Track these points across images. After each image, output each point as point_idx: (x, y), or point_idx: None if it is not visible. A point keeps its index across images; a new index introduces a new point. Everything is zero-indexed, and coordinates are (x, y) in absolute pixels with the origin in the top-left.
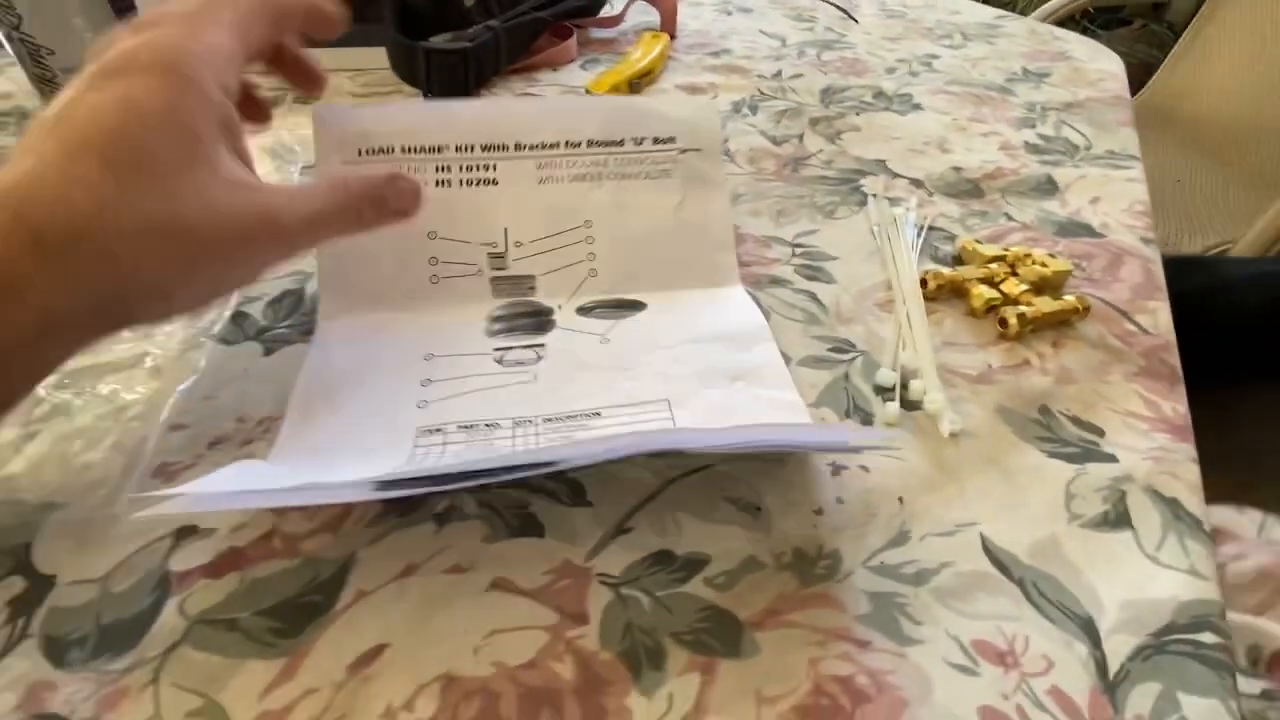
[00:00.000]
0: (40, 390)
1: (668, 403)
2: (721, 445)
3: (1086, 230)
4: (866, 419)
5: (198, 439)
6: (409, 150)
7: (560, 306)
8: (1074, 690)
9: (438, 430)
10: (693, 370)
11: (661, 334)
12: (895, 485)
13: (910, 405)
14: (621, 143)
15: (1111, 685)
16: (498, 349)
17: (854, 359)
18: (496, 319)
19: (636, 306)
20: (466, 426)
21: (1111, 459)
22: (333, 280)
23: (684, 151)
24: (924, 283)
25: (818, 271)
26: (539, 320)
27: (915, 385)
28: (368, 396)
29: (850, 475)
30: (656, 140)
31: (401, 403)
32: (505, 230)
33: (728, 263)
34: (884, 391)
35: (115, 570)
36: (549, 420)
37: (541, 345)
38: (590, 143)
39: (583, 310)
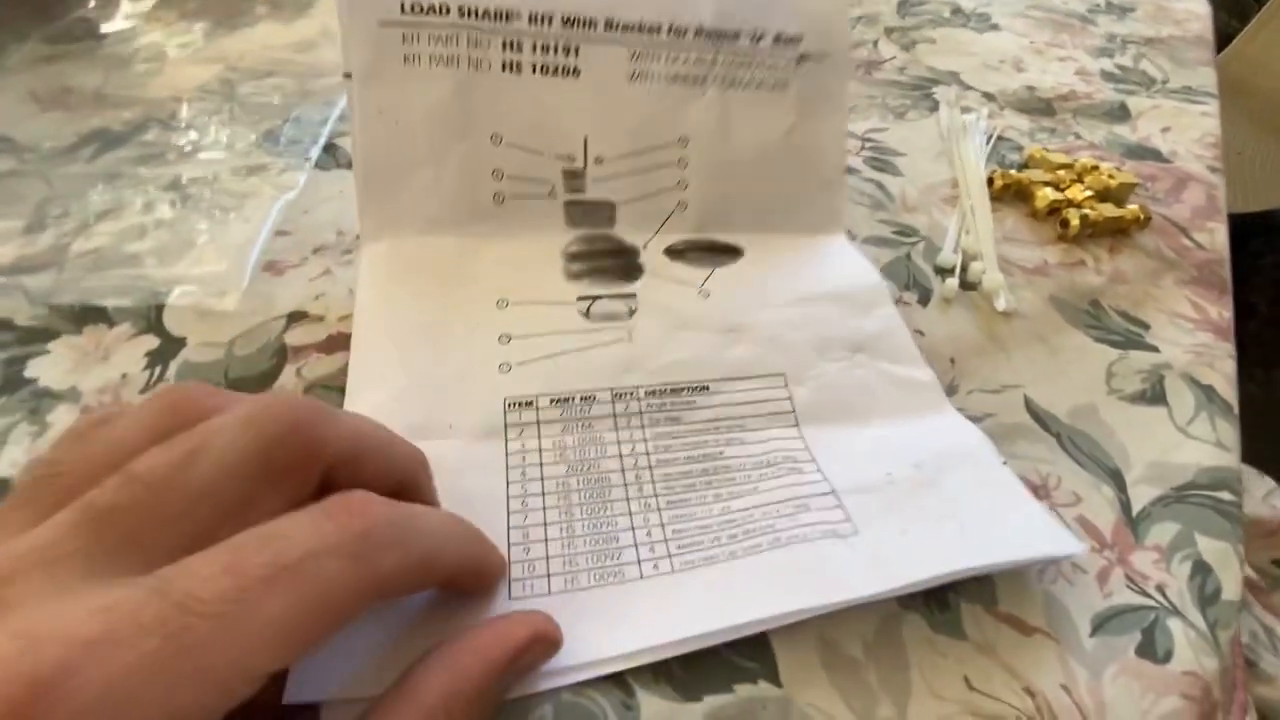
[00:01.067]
0: (159, 192)
1: (784, 377)
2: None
3: (1155, 155)
4: (925, 295)
5: (302, 245)
6: (468, 14)
7: (645, 245)
8: (1100, 521)
9: (529, 404)
10: (807, 337)
11: (768, 289)
12: (948, 349)
13: (967, 286)
14: (737, 36)
15: (1134, 521)
16: (582, 297)
17: (917, 243)
18: (575, 257)
19: (733, 253)
20: (560, 400)
21: (1154, 349)
22: (376, 191)
23: (806, 59)
24: (990, 181)
25: (886, 165)
26: (625, 262)
27: (974, 267)
28: (441, 355)
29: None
30: (779, 38)
31: (480, 364)
32: (585, 140)
33: (836, 205)
34: (944, 271)
35: (238, 339)
36: (651, 393)
37: (633, 296)
38: (699, 31)
39: (672, 252)
